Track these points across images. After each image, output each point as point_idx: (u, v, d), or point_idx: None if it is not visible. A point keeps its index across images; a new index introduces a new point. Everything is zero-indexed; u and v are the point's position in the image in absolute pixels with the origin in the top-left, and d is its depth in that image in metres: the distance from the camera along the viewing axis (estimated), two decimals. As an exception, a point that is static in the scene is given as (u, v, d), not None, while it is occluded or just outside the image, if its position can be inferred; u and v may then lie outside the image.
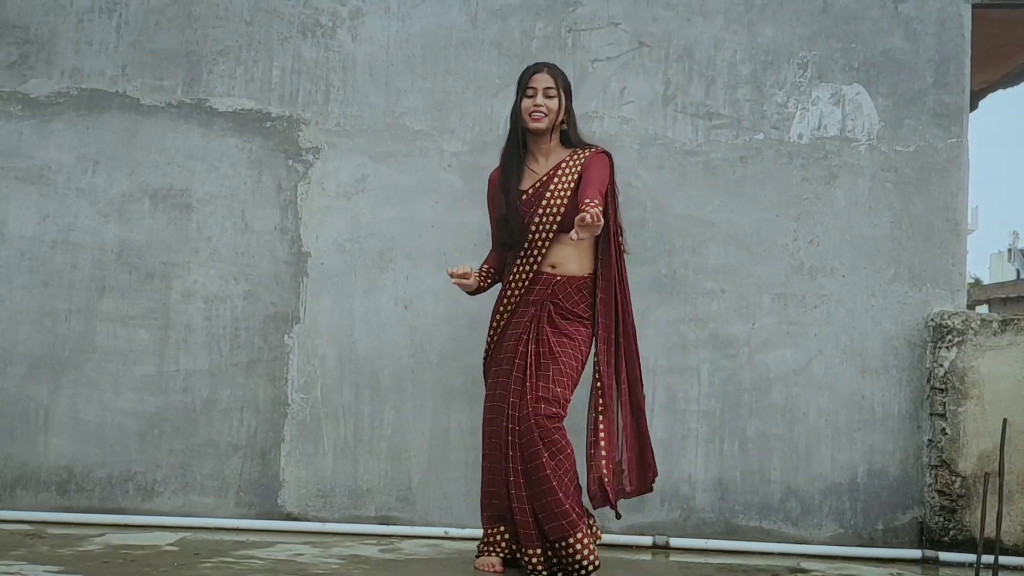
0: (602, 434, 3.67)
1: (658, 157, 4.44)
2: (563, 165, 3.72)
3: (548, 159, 3.78)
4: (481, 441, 3.77)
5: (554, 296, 3.69)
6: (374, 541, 4.25)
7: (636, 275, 4.36)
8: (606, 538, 4.27)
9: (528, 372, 3.58)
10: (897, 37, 4.42)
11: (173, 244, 4.53)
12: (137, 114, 4.57)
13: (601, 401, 3.70)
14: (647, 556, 4.16)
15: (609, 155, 3.77)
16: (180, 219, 4.54)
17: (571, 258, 3.70)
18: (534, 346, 3.63)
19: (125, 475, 4.48)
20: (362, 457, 4.44)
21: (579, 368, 3.66)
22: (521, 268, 3.73)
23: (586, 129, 4.44)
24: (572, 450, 3.57)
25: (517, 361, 3.62)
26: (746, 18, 4.46)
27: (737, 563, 4.07)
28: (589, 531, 3.60)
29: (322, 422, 4.45)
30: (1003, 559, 3.73)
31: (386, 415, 4.44)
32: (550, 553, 3.53)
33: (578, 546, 3.48)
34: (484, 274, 3.88)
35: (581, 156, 3.73)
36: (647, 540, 4.27)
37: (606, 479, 3.63)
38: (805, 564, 4.09)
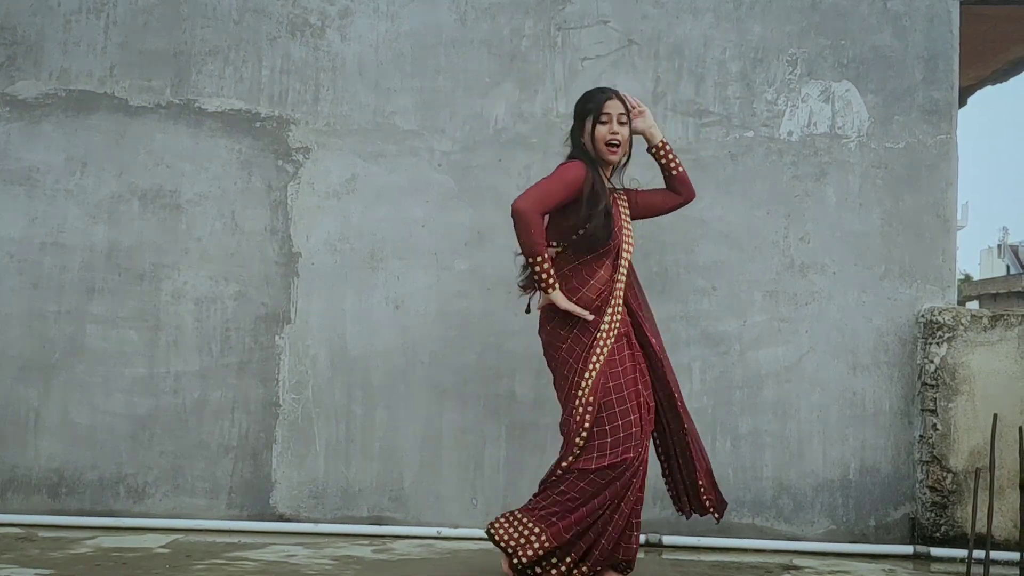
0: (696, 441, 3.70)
1: (648, 155, 4.43)
2: (617, 198, 3.67)
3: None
4: (605, 482, 3.42)
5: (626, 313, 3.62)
6: (367, 541, 4.24)
7: (627, 273, 4.36)
8: (599, 536, 4.27)
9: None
10: (886, 34, 4.43)
11: (163, 245, 4.51)
12: (125, 115, 4.56)
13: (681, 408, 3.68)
14: (640, 554, 4.15)
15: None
16: (169, 220, 4.52)
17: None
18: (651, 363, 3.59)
19: (116, 477, 4.46)
20: (354, 457, 4.43)
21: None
22: (614, 285, 3.53)
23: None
24: None
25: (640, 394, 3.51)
26: (735, 15, 4.46)
27: (730, 560, 4.07)
28: None
29: (314, 423, 4.44)
30: (994, 554, 3.74)
31: (378, 415, 4.43)
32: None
33: None
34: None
35: (622, 198, 3.71)
36: (640, 538, 4.26)
37: (703, 487, 3.66)
38: (798, 561, 4.10)
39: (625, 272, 3.60)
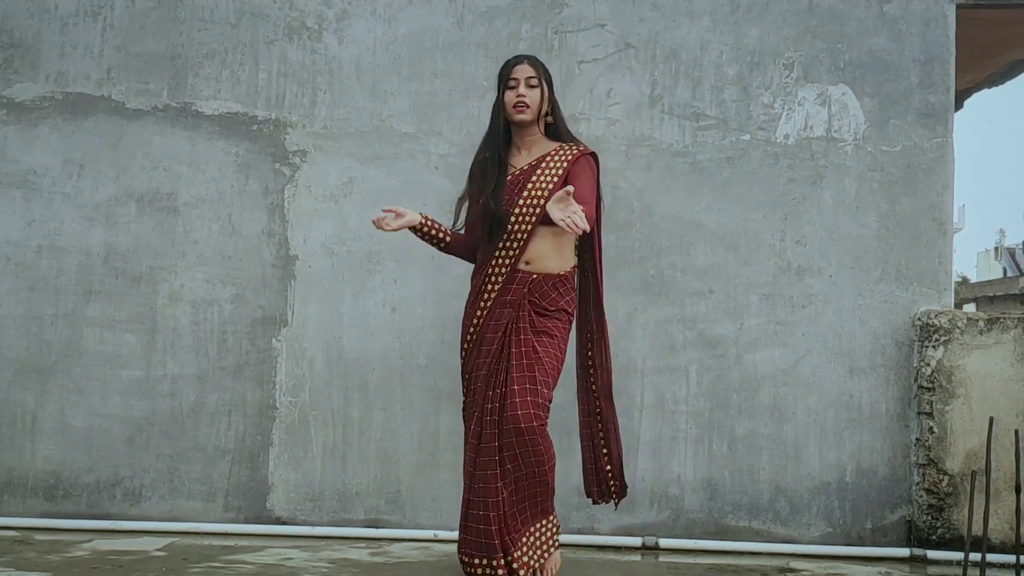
0: (608, 429, 3.73)
1: (645, 158, 4.45)
2: (548, 158, 3.61)
3: (531, 152, 3.67)
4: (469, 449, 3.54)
5: (531, 295, 3.56)
6: (363, 544, 4.24)
7: (624, 276, 4.37)
8: (595, 539, 4.28)
9: (510, 376, 3.46)
10: (882, 37, 4.44)
11: (160, 248, 4.51)
12: (123, 118, 4.56)
13: (598, 399, 3.73)
14: (636, 557, 4.17)
15: (596, 157, 3.71)
16: (167, 223, 4.52)
17: (549, 254, 3.59)
18: (516, 348, 3.49)
19: (113, 480, 4.46)
20: (351, 460, 4.43)
21: (560, 367, 3.58)
22: (499, 263, 3.57)
23: (573, 130, 4.43)
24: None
25: (494, 366, 3.50)
26: (732, 19, 4.47)
27: (727, 563, 4.08)
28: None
29: (311, 425, 4.44)
30: (990, 557, 3.75)
31: (375, 418, 4.44)
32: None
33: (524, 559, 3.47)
34: (435, 227, 3.69)
35: (568, 152, 3.63)
36: (636, 541, 4.28)
37: (611, 475, 3.73)
38: (794, 563, 4.10)
39: (519, 238, 3.55)
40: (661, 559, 4.14)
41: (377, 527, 4.39)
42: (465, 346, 3.67)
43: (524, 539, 3.47)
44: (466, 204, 3.74)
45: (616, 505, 3.85)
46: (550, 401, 3.51)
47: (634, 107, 4.46)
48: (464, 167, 4.39)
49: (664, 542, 4.27)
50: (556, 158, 3.63)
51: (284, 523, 4.41)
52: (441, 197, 4.44)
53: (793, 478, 4.35)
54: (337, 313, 4.46)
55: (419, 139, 4.49)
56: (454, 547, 4.19)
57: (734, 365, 4.38)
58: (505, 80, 3.67)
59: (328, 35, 4.55)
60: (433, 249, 4.40)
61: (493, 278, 3.60)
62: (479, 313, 3.62)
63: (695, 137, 4.45)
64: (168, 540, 4.21)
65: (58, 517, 4.42)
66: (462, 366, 3.70)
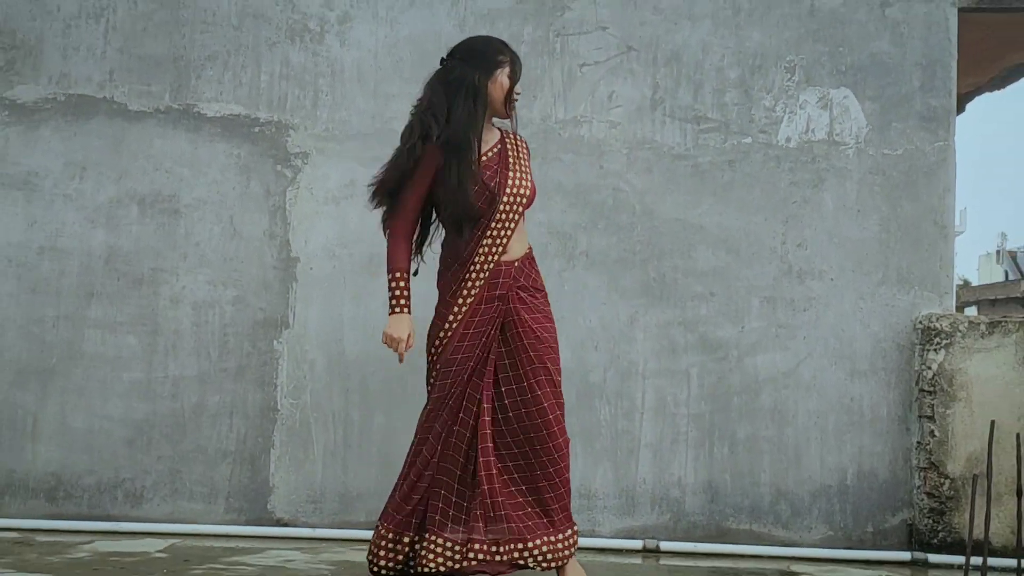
0: None
1: (646, 161, 4.45)
2: (508, 144, 3.45)
3: (486, 139, 3.43)
4: (420, 447, 3.40)
5: (516, 282, 3.41)
6: (364, 546, 4.23)
7: (625, 279, 4.38)
8: (596, 542, 4.28)
9: (523, 371, 3.34)
10: (884, 41, 4.44)
11: (161, 250, 4.52)
12: (124, 120, 4.56)
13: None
14: (637, 560, 4.16)
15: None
16: (168, 225, 4.52)
17: (519, 238, 3.47)
18: (523, 340, 3.36)
19: (114, 482, 4.46)
20: (352, 462, 4.43)
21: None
22: (483, 255, 3.38)
23: (574, 133, 4.47)
24: None
25: (479, 367, 3.36)
26: (733, 22, 4.47)
27: (727, 566, 4.07)
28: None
29: (312, 427, 4.44)
30: (992, 561, 3.74)
31: (376, 420, 4.44)
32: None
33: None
34: (405, 290, 3.48)
35: (517, 137, 3.50)
36: (637, 544, 4.27)
37: None
38: (795, 567, 4.10)
39: (508, 226, 3.42)
40: (662, 562, 4.14)
41: (378, 529, 4.38)
42: (436, 344, 3.44)
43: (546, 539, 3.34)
44: (410, 184, 3.39)
45: None
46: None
47: (635, 110, 4.46)
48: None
49: (665, 545, 4.27)
50: (515, 143, 3.49)
51: (285, 525, 4.41)
52: (442, 199, 4.43)
53: (794, 481, 4.35)
54: (338, 315, 4.47)
55: (421, 141, 4.49)
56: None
57: (735, 368, 4.38)
58: (501, 65, 3.39)
59: (330, 37, 4.55)
60: (433, 251, 4.40)
61: (474, 272, 3.40)
62: (456, 310, 3.40)
63: (696, 140, 4.45)
64: (169, 542, 4.21)
65: (59, 518, 4.42)
66: (429, 364, 3.48)
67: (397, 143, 4.48)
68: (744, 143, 4.44)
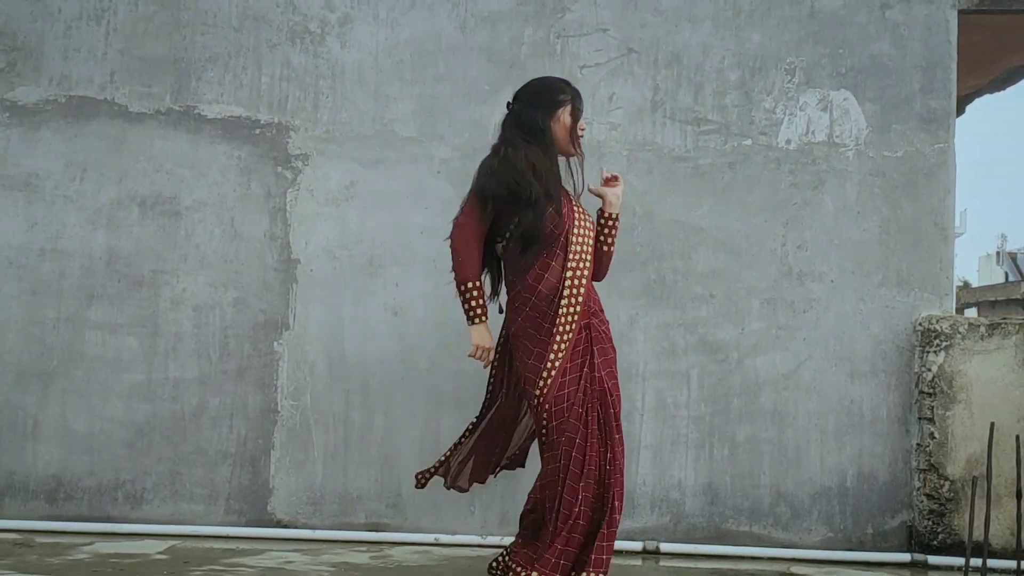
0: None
1: (647, 163, 4.46)
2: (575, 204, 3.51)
3: None
4: (571, 487, 3.31)
5: (587, 305, 3.42)
6: (364, 548, 4.24)
7: (625, 280, 4.38)
8: (596, 544, 4.27)
9: (609, 412, 3.35)
10: (884, 43, 4.44)
11: (162, 252, 4.52)
12: (125, 121, 4.56)
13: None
14: (637, 561, 4.17)
15: None
16: (169, 226, 4.53)
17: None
18: (602, 371, 3.37)
19: (114, 483, 4.46)
20: (352, 464, 4.43)
21: None
22: (574, 282, 3.36)
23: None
24: None
25: (586, 399, 3.34)
26: (734, 24, 4.48)
27: (727, 568, 4.08)
28: None
29: (312, 429, 4.45)
30: (991, 562, 3.74)
31: (376, 421, 4.44)
32: None
33: None
34: (480, 298, 3.44)
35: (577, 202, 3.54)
36: (637, 545, 4.28)
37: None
38: (795, 568, 4.10)
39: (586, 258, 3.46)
40: (662, 563, 4.14)
41: (378, 531, 4.39)
42: (547, 373, 3.31)
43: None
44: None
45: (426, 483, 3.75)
46: None
47: (636, 112, 4.47)
48: (466, 171, 4.37)
49: (665, 546, 4.28)
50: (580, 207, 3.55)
51: (285, 526, 4.41)
52: (443, 201, 4.43)
53: (794, 483, 4.35)
54: (338, 317, 4.47)
55: (421, 143, 4.50)
56: (455, 551, 4.21)
57: (735, 369, 4.38)
58: (563, 104, 3.48)
59: (331, 39, 4.55)
60: (435, 253, 4.40)
61: (570, 299, 3.36)
62: (556, 347, 3.33)
63: (697, 142, 4.46)
64: (169, 543, 4.22)
65: (59, 520, 4.42)
66: (542, 394, 3.33)
67: (397, 144, 4.50)
68: (744, 145, 4.45)
